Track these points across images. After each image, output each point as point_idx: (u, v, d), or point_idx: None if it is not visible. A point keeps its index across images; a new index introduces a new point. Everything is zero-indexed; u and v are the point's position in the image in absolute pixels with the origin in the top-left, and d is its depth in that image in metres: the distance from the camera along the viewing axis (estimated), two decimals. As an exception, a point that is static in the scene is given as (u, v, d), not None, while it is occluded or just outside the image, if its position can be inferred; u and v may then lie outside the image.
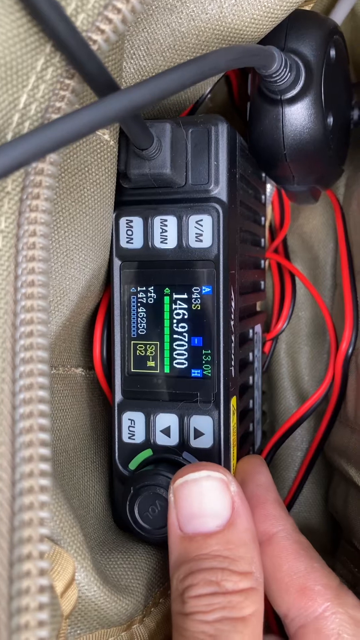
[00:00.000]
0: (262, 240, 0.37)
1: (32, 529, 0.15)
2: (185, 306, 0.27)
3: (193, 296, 0.27)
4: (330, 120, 0.29)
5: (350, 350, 0.34)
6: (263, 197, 0.37)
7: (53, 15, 0.17)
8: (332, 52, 0.29)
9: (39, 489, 0.15)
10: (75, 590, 0.22)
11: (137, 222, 0.27)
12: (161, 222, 0.27)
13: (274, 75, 0.26)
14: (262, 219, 0.37)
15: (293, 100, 0.28)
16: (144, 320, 0.28)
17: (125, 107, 0.18)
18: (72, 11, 0.18)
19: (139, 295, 0.28)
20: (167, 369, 0.28)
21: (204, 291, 0.27)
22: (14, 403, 0.16)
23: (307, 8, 0.32)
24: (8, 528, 0.15)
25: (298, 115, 0.28)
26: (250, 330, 0.34)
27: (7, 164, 0.16)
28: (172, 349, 0.28)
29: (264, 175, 0.36)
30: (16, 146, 0.16)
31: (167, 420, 0.28)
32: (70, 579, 0.21)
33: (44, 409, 0.16)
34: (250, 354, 0.34)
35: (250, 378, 0.34)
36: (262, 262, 0.37)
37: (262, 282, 0.37)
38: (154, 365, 0.28)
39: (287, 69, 0.26)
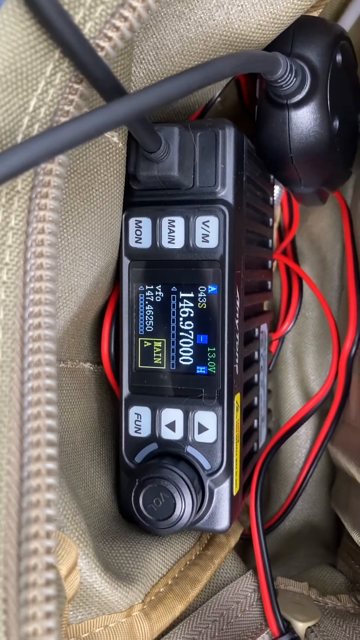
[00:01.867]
0: (270, 241, 0.37)
1: (39, 509, 0.16)
2: (192, 305, 0.28)
3: (199, 295, 0.28)
4: (337, 124, 0.30)
5: (353, 350, 0.34)
6: (271, 198, 0.37)
7: (61, 24, 0.18)
8: (339, 58, 0.30)
9: (46, 472, 0.16)
10: (77, 575, 0.23)
11: (146, 222, 0.28)
12: (169, 223, 0.28)
13: (279, 81, 0.26)
14: (270, 220, 0.37)
15: (299, 105, 0.28)
16: (151, 318, 0.29)
17: (131, 111, 0.18)
18: (80, 19, 0.19)
19: (146, 294, 0.29)
20: (173, 366, 0.28)
21: (209, 290, 0.28)
22: (22, 391, 0.17)
23: (315, 14, 0.32)
24: (16, 509, 0.16)
25: (304, 119, 0.29)
26: (256, 329, 0.35)
27: (17, 164, 0.17)
28: (178, 346, 0.28)
29: (272, 177, 0.36)
30: (26, 147, 0.17)
31: (172, 415, 0.28)
32: (73, 563, 0.22)
33: (50, 396, 0.17)
34: (256, 353, 0.35)
35: (256, 376, 0.35)
36: (270, 262, 0.38)
37: (269, 282, 0.38)
38: (160, 361, 0.29)
39: (293, 74, 0.27)
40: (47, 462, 0.17)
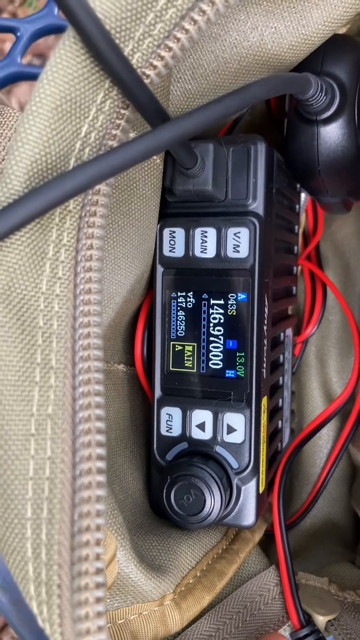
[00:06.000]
0: (295, 247, 0.39)
1: (90, 505, 0.17)
2: (222, 311, 0.29)
3: (229, 302, 0.29)
4: (363, 138, 0.31)
5: (376, 355, 0.35)
6: (297, 206, 0.39)
7: (112, 56, 0.19)
8: (366, 74, 0.31)
9: (96, 471, 0.18)
10: (116, 565, 0.24)
11: (180, 232, 0.30)
12: (202, 234, 0.29)
13: (310, 100, 0.28)
14: (296, 227, 0.39)
15: (328, 121, 0.29)
16: (183, 323, 0.30)
17: (175, 137, 0.20)
18: (129, 51, 0.20)
19: (179, 300, 0.30)
20: (203, 369, 0.30)
21: (239, 298, 0.29)
22: (74, 396, 0.19)
23: (342, 30, 0.33)
24: (69, 504, 0.18)
25: (332, 135, 0.30)
26: (282, 334, 0.36)
27: (72, 188, 0.18)
28: (208, 351, 0.30)
29: (298, 185, 0.38)
30: (80, 172, 0.18)
31: (202, 416, 0.30)
32: (112, 555, 0.24)
33: (99, 400, 0.19)
34: (281, 356, 0.36)
35: (281, 378, 0.36)
36: (295, 268, 0.39)
37: (294, 287, 0.39)
38: (191, 364, 0.30)
39: (323, 93, 0.28)
40: (97, 461, 0.18)
